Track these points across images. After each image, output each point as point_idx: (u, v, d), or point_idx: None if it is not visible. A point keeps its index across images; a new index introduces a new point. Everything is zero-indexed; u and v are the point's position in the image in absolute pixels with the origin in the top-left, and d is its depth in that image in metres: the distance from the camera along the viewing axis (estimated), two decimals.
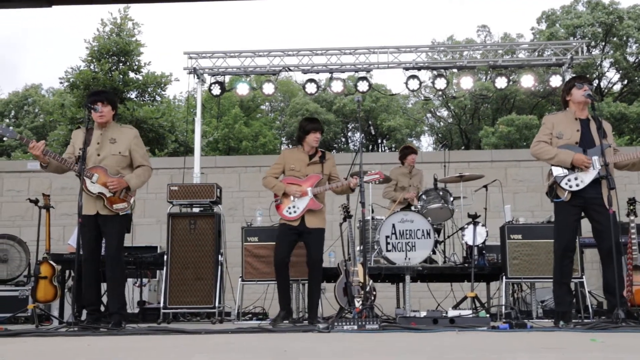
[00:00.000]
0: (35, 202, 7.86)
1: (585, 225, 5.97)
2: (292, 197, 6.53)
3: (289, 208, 6.55)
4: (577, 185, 5.58)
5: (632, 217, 6.84)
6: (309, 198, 6.53)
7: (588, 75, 22.05)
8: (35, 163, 12.07)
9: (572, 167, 5.60)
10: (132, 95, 19.08)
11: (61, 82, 18.81)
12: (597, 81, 25.15)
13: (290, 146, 26.94)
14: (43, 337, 5.15)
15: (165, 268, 7.45)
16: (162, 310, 7.35)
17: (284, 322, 6.45)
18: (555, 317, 5.71)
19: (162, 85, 19.44)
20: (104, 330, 5.47)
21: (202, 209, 7.85)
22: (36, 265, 7.45)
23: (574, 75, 7.83)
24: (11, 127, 6.22)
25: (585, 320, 5.77)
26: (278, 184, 6.65)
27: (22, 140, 5.92)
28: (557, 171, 5.66)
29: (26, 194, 11.50)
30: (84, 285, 6.06)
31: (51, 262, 7.44)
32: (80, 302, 6.62)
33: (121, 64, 18.57)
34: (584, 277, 7.07)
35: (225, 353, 3.61)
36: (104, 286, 6.26)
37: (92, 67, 18.31)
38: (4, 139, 6.66)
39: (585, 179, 5.56)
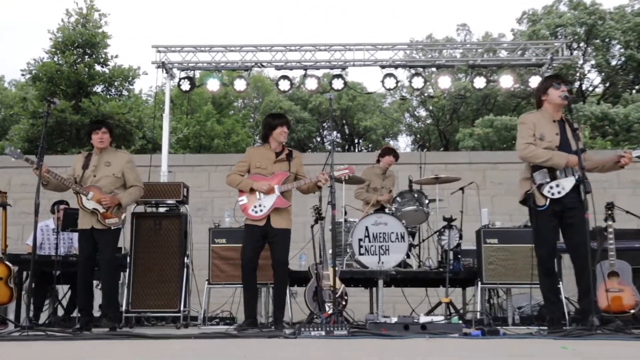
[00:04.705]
0: None
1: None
2: (257, 195, 6.30)
3: (255, 207, 6.30)
4: (559, 192, 5.44)
5: (609, 222, 6.71)
6: (275, 196, 6.29)
7: (570, 78, 21.96)
8: None
9: (553, 174, 5.45)
10: (98, 89, 18.60)
11: (23, 74, 18.36)
12: (578, 82, 25.01)
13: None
14: None
15: (128, 270, 7.26)
16: (125, 314, 7.10)
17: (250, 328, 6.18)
18: (549, 323, 5.56)
19: (130, 79, 19.00)
20: (59, 335, 5.45)
21: (168, 209, 7.61)
22: None
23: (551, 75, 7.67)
24: (19, 150, 6.67)
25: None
26: (244, 180, 6.40)
27: (27, 162, 6.32)
28: (539, 178, 5.49)
29: None
30: (78, 291, 6.67)
31: (7, 262, 7.12)
32: (70, 307, 7.70)
33: (87, 57, 18.09)
34: (561, 283, 6.90)
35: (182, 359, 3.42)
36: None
37: (56, 59, 17.83)
38: (12, 159, 7.01)
39: (566, 185, 5.43)
